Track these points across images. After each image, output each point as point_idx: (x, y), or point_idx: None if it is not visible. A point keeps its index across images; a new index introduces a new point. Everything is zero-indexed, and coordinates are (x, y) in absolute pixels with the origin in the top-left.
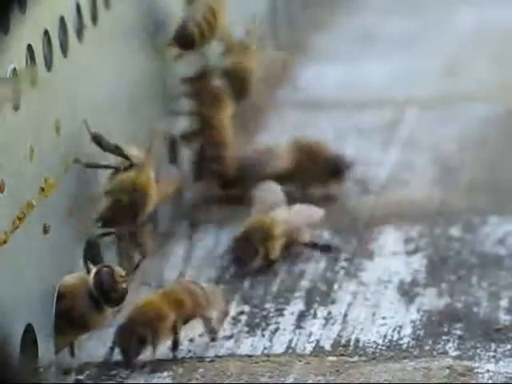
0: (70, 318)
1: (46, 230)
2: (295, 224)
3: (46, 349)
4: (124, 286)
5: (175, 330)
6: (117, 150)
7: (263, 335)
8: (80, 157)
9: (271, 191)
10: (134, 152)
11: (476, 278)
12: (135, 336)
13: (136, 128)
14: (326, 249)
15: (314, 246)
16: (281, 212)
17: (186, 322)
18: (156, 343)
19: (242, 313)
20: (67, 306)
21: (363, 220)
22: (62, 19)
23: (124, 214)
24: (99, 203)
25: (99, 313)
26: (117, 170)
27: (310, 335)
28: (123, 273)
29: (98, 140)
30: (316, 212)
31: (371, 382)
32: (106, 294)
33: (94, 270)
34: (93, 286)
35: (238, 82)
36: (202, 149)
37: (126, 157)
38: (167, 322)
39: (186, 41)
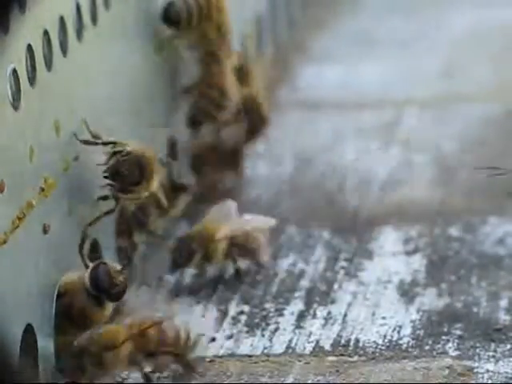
0: (70, 316)
1: (45, 230)
2: (243, 229)
3: (45, 349)
4: (122, 279)
5: (134, 362)
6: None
7: (263, 335)
8: (80, 156)
9: (226, 207)
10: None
11: (476, 277)
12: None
13: (136, 128)
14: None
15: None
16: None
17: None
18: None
19: (241, 313)
20: (66, 303)
21: (363, 220)
22: (61, 19)
23: (130, 172)
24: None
25: (100, 309)
26: (115, 144)
27: (309, 335)
28: (119, 267)
29: (98, 139)
30: (266, 221)
31: (371, 381)
32: (104, 291)
33: (90, 267)
34: (89, 285)
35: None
36: (201, 93)
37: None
38: (122, 350)
39: (172, 18)
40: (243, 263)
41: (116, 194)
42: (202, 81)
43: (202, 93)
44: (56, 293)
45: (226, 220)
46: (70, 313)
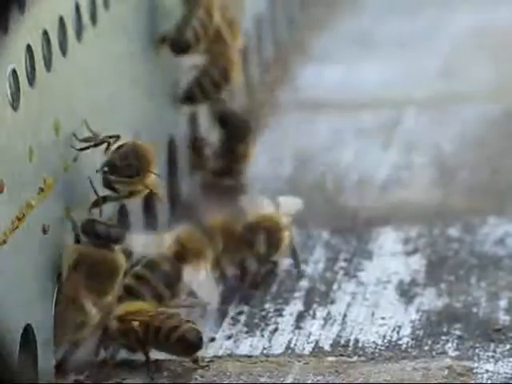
0: (92, 275)
1: (45, 230)
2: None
3: (45, 349)
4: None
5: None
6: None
7: (262, 335)
8: (79, 157)
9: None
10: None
11: (475, 278)
12: None
13: (135, 128)
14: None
15: None
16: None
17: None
18: None
19: (241, 313)
20: (82, 269)
21: (362, 220)
22: (61, 19)
23: (128, 163)
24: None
25: (113, 254)
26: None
27: (309, 335)
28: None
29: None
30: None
31: (370, 382)
32: (105, 236)
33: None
34: (90, 237)
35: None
36: (204, 70)
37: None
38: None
39: (181, 47)
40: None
41: (114, 185)
42: (207, 58)
43: (206, 70)
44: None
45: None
46: (92, 273)
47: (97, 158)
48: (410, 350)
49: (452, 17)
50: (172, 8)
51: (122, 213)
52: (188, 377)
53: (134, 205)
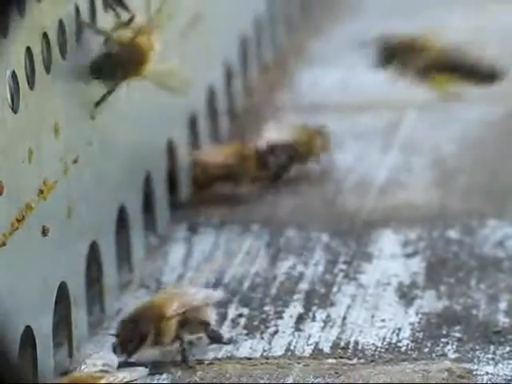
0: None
1: (44, 232)
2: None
3: (44, 351)
4: None
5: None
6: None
7: (262, 338)
8: (79, 159)
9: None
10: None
11: (475, 280)
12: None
13: (135, 130)
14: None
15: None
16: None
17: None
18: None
19: (240, 315)
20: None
21: (362, 222)
22: (60, 22)
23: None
24: None
25: None
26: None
27: (308, 338)
28: None
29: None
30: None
31: None
32: None
33: None
34: None
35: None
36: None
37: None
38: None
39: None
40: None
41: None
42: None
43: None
44: None
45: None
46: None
47: (97, 159)
48: (409, 352)
49: (452, 19)
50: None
51: (122, 213)
52: (188, 379)
53: (134, 205)
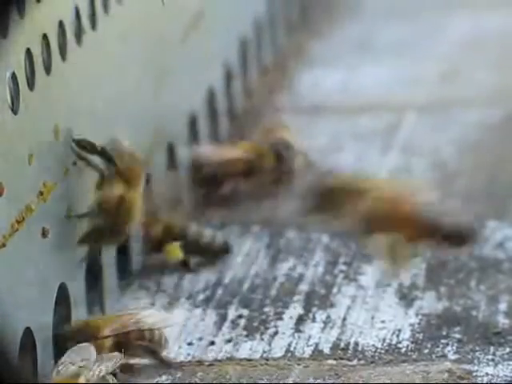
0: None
1: (44, 234)
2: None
3: (44, 352)
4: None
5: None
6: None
7: (262, 339)
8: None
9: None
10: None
11: (475, 281)
12: None
13: (135, 133)
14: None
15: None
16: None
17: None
18: None
19: (240, 316)
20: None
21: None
22: (60, 23)
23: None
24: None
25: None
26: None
27: (308, 339)
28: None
29: (82, 144)
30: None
31: None
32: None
33: None
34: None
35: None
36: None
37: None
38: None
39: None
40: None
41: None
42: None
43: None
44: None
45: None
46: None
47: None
48: (409, 353)
49: (451, 21)
50: (171, 9)
51: None
52: (188, 380)
53: None
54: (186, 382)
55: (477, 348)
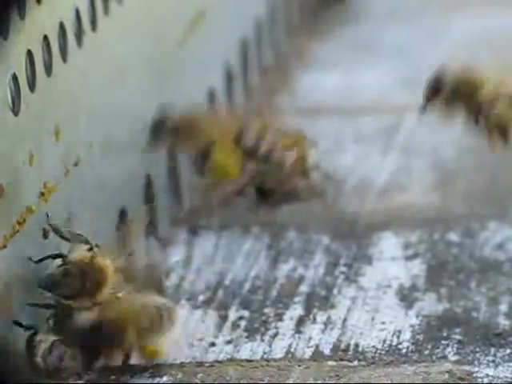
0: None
1: (45, 235)
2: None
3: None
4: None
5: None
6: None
7: (262, 340)
8: (80, 161)
9: None
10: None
11: (475, 282)
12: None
13: (135, 133)
14: None
15: None
16: None
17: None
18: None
19: (241, 318)
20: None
21: (362, 225)
22: (61, 25)
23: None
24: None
25: None
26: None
27: (309, 340)
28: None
29: (56, 231)
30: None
31: None
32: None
33: None
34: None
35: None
36: None
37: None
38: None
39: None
40: None
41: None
42: None
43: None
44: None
45: None
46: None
47: (96, 162)
48: (410, 354)
49: (452, 23)
50: (171, 10)
51: (123, 215)
52: (189, 381)
53: (135, 208)
54: (187, 382)
55: (477, 349)
